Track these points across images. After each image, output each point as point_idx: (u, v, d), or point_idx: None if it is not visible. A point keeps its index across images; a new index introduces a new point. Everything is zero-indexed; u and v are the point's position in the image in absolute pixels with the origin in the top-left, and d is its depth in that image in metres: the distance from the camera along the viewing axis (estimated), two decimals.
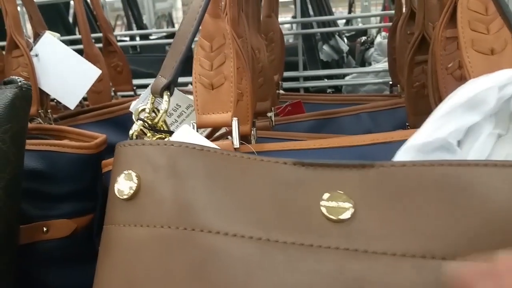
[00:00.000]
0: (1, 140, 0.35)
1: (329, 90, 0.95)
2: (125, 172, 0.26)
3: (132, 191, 0.25)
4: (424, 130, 0.25)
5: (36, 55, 0.54)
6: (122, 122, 0.56)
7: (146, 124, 0.31)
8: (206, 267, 0.23)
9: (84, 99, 0.68)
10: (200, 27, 0.34)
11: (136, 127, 0.31)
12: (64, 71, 0.55)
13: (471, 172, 0.22)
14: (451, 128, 0.24)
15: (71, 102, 0.55)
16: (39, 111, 0.53)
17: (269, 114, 0.55)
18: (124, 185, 0.26)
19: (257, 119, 0.52)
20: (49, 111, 0.55)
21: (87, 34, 0.67)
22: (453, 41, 0.37)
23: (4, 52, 0.54)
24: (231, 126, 0.33)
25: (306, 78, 0.87)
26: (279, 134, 0.49)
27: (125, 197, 0.26)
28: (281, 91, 0.70)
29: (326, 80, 0.92)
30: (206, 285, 0.23)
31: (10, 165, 0.37)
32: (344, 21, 1.60)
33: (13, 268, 0.39)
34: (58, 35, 0.57)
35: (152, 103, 0.32)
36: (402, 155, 0.25)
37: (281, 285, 0.22)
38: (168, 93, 0.31)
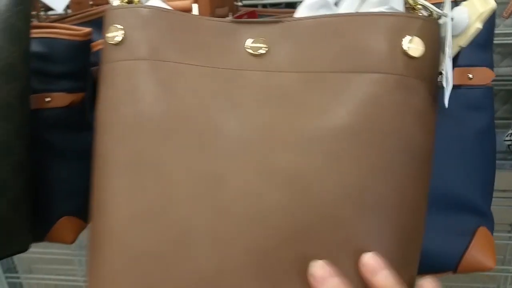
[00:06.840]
0: (15, 17, 0.46)
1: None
2: (114, 25, 0.38)
3: (119, 39, 0.38)
4: None
5: None
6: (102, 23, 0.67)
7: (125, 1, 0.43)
8: (170, 80, 0.36)
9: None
10: None
11: (118, 2, 0.43)
12: None
13: (338, 19, 0.36)
14: None
15: (59, 6, 0.66)
16: (32, 13, 0.64)
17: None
18: (113, 34, 0.38)
19: None
20: (40, 13, 0.65)
21: None
22: None
23: None
24: (191, 11, 0.46)
25: None
26: None
27: (113, 42, 0.38)
28: (240, 3, 0.81)
29: None
30: (170, 92, 0.36)
31: (22, 39, 0.48)
32: None
33: (27, 129, 0.51)
34: None
35: None
36: (299, 12, 0.38)
37: (217, 90, 0.36)
38: None
